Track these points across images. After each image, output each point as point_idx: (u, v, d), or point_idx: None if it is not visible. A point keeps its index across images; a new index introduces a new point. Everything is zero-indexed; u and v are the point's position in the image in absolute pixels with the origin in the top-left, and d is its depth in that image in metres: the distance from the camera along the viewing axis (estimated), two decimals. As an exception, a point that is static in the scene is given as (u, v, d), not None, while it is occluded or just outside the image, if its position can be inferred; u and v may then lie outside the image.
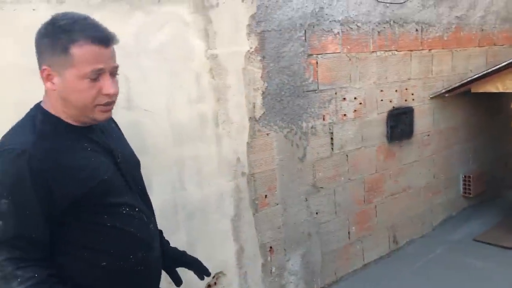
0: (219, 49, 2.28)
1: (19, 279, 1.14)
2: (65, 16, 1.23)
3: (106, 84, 1.25)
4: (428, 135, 3.64)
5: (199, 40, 2.21)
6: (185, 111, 2.20)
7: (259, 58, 2.46)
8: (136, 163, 1.52)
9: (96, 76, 1.23)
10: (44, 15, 1.27)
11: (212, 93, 2.29)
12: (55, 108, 1.28)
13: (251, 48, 2.42)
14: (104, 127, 1.42)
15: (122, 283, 1.34)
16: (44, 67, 1.23)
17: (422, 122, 3.56)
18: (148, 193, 1.53)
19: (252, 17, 2.40)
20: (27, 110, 1.34)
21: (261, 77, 2.48)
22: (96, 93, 1.25)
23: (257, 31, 2.44)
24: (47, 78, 1.24)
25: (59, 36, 1.20)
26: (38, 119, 1.26)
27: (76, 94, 1.23)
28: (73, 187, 1.24)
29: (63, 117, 1.29)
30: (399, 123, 3.36)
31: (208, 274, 1.68)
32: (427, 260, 3.33)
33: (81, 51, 1.20)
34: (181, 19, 2.13)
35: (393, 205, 3.42)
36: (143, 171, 1.55)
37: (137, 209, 1.39)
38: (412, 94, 3.45)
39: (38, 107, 1.31)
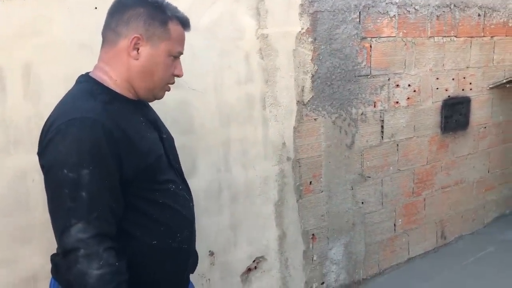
0: (270, 28, 2.22)
1: (101, 262, 1.11)
2: None
3: (179, 66, 1.35)
4: (485, 127, 3.45)
5: (250, 19, 2.15)
6: (233, 92, 2.16)
7: (310, 39, 2.38)
8: (173, 141, 1.50)
9: (178, 56, 1.32)
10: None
11: (261, 74, 2.24)
12: (117, 79, 1.27)
13: (302, 29, 2.34)
14: (145, 104, 1.41)
15: (169, 262, 1.33)
16: (135, 35, 1.24)
17: (479, 114, 3.37)
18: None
19: (305, -4, 2.32)
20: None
21: (312, 59, 2.40)
22: (172, 72, 1.33)
23: (310, 12, 2.35)
24: (133, 46, 1.24)
25: (158, 8, 1.26)
26: (96, 90, 1.24)
27: (160, 67, 1.28)
28: (138, 160, 1.22)
29: (119, 89, 1.27)
30: (455, 114, 3.19)
31: None
32: (476, 258, 3.17)
33: (176, 29, 1.29)
34: (232, -4, 2.08)
35: (443, 198, 3.27)
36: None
37: (180, 186, 1.38)
38: (470, 84, 3.26)
39: (89, 78, 1.28)
